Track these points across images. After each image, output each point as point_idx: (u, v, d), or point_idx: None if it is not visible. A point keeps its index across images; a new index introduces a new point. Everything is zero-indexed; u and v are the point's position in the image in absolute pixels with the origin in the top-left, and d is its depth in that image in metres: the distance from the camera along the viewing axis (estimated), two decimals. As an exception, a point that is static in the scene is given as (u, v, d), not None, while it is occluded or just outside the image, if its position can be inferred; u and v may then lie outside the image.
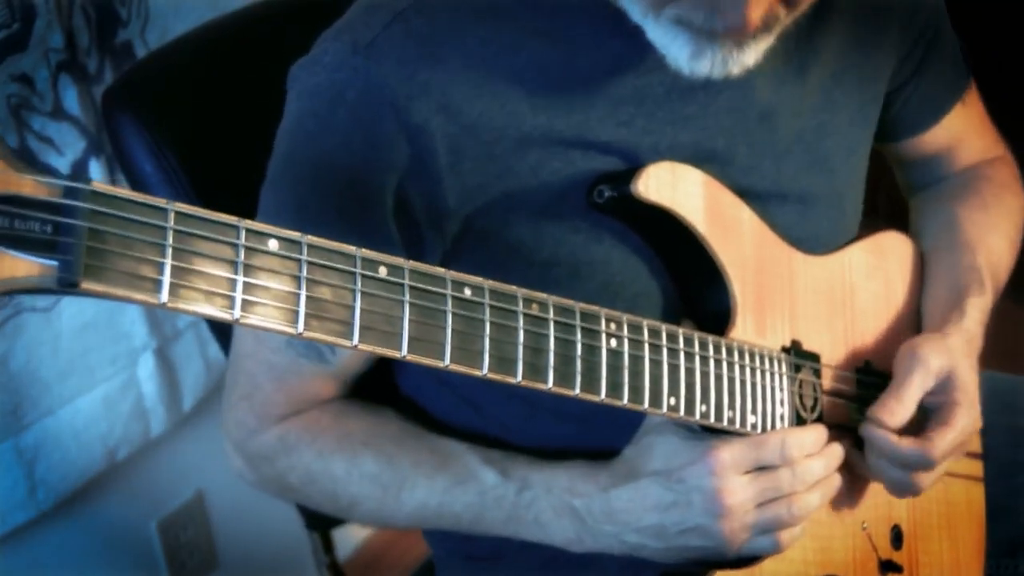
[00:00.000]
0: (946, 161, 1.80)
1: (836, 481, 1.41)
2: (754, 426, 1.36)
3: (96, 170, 1.94)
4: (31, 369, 1.94)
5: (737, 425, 1.35)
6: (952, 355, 1.48)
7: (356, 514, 1.50)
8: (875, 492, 1.55)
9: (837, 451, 1.40)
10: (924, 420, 1.48)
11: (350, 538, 2.88)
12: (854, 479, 1.52)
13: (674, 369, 1.27)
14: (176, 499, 2.38)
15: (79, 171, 1.92)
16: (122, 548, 2.28)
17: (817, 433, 1.39)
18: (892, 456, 1.44)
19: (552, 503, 1.38)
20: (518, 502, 1.39)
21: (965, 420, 1.47)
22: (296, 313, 0.96)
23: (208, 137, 1.68)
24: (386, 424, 1.48)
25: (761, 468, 1.34)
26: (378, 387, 1.54)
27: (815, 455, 1.37)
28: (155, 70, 1.74)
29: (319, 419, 1.46)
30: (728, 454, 1.31)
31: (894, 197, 1.89)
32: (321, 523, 1.99)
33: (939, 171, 1.82)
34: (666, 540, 1.35)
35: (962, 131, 1.78)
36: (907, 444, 1.43)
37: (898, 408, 1.44)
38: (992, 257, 1.67)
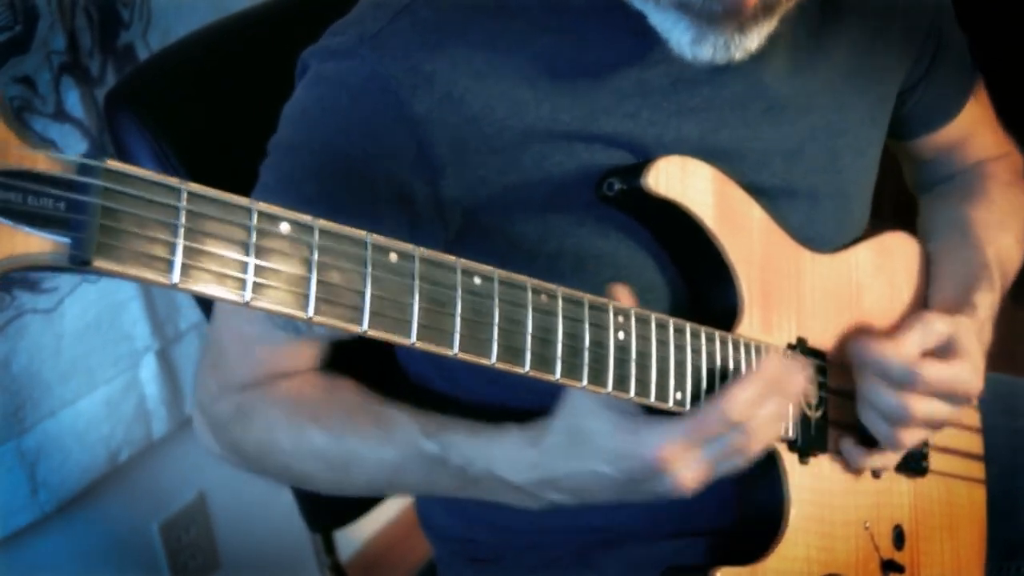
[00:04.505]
0: (956, 158, 1.81)
1: (789, 406, 1.37)
2: (759, 421, 1.37)
3: (98, 171, 1.95)
4: (33, 371, 1.95)
5: (742, 420, 1.35)
6: (958, 325, 1.48)
7: (312, 486, 1.48)
8: (877, 491, 1.56)
9: (790, 386, 1.29)
10: None
11: (352, 539, 2.88)
12: (857, 478, 1.52)
13: (681, 363, 1.27)
14: (178, 501, 2.39)
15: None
16: (124, 550, 2.28)
17: (755, 382, 1.25)
18: (880, 366, 1.42)
19: (497, 481, 1.34)
20: (464, 476, 1.35)
21: (964, 370, 1.44)
22: (307, 297, 0.96)
23: (210, 139, 1.68)
24: (339, 395, 1.44)
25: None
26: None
27: (763, 398, 1.27)
28: (157, 72, 1.74)
29: (276, 389, 1.44)
30: (669, 450, 1.23)
31: (899, 198, 1.90)
32: (323, 524, 1.99)
33: (949, 168, 1.83)
34: (620, 497, 1.32)
35: (972, 128, 1.79)
36: (897, 359, 1.42)
37: (894, 344, 1.43)
38: (1001, 254, 1.67)
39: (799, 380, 1.28)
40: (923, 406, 1.43)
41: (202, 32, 1.78)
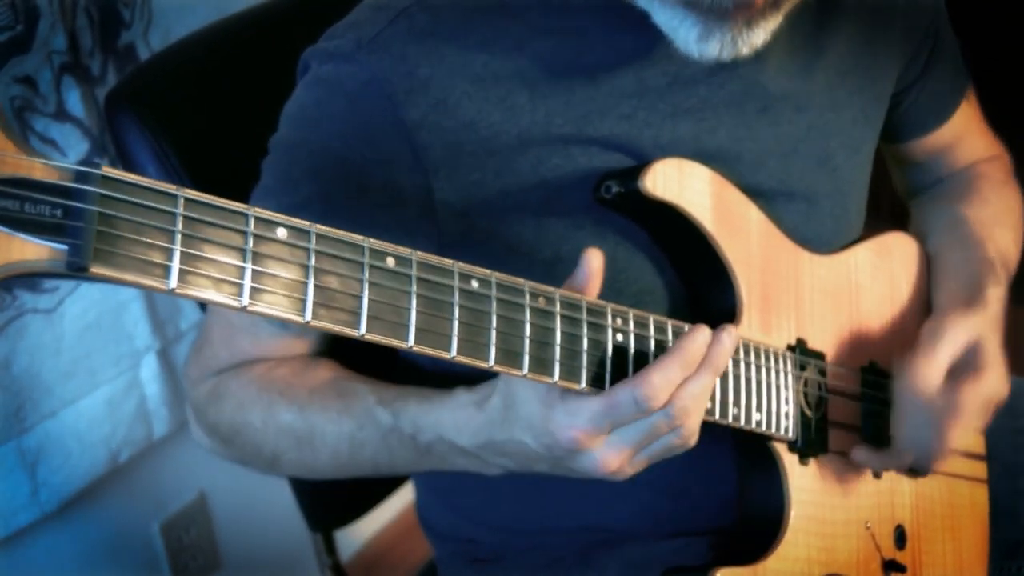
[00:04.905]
0: (948, 161, 1.82)
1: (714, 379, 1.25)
2: (759, 423, 1.36)
3: (99, 172, 1.95)
4: (34, 371, 1.95)
5: (742, 422, 1.34)
6: (978, 329, 1.49)
7: (282, 468, 1.47)
8: (879, 492, 1.55)
9: (716, 360, 1.22)
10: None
11: (353, 539, 2.89)
12: (858, 479, 1.52)
13: None
14: (179, 501, 2.38)
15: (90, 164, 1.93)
16: (125, 550, 2.28)
17: (671, 364, 1.19)
18: (921, 400, 1.45)
19: (447, 447, 1.32)
20: (417, 447, 1.35)
21: (993, 381, 1.46)
22: (304, 302, 0.96)
23: (211, 139, 1.68)
24: (312, 372, 1.44)
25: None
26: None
27: (683, 378, 1.21)
28: (158, 72, 1.74)
29: (250, 370, 1.44)
30: (580, 431, 1.18)
31: (898, 199, 1.90)
32: (324, 524, 1.99)
33: (940, 171, 1.83)
34: (557, 471, 1.28)
35: (964, 130, 1.79)
36: (939, 389, 1.44)
37: (928, 365, 1.45)
38: (1001, 250, 1.67)
39: (725, 352, 1.21)
40: (961, 430, 1.46)
41: (203, 32, 1.78)
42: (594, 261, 1.20)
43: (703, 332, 1.20)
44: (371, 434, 1.36)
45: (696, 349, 1.20)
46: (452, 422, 1.30)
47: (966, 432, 1.47)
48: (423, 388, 1.35)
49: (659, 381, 1.17)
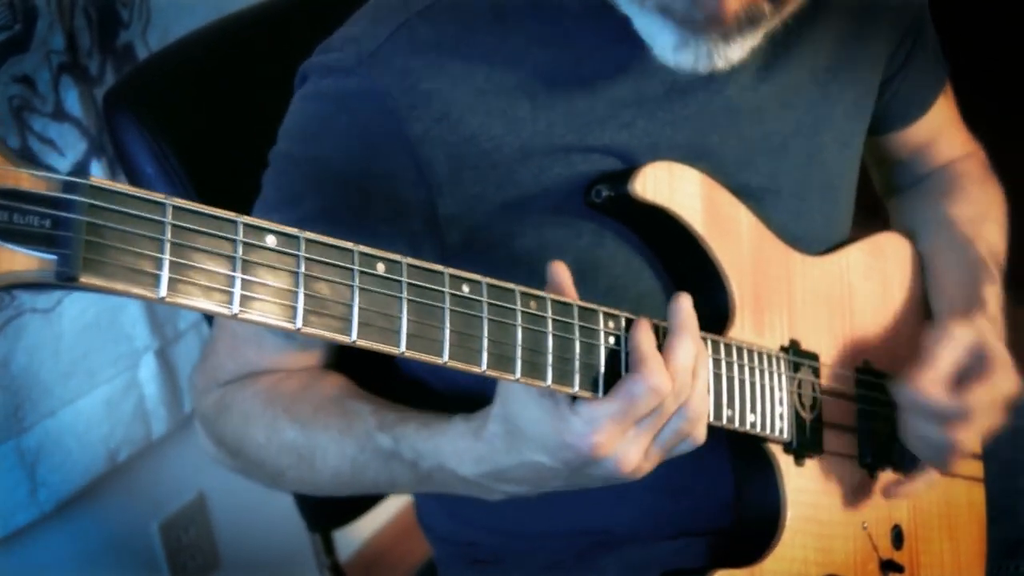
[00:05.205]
0: (928, 157, 1.82)
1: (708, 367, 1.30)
2: (753, 424, 1.37)
3: (97, 171, 1.95)
4: (32, 371, 1.95)
5: (736, 424, 1.34)
6: (980, 330, 1.48)
7: (286, 483, 1.47)
8: (876, 492, 1.56)
9: (693, 346, 1.23)
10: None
11: (351, 539, 2.88)
12: (855, 479, 1.53)
13: None
14: (178, 500, 2.39)
15: (80, 172, 1.90)
16: (124, 549, 2.29)
17: (683, 344, 1.21)
18: (928, 408, 1.44)
19: (448, 476, 1.31)
20: (418, 473, 1.33)
21: (1002, 379, 1.46)
22: (294, 309, 0.96)
23: (209, 139, 1.68)
24: (317, 387, 1.43)
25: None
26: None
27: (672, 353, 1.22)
28: (156, 72, 1.74)
29: (255, 383, 1.44)
30: (600, 435, 1.17)
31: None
32: (323, 524, 2.00)
33: (921, 168, 1.84)
34: (574, 484, 1.27)
35: (942, 125, 1.80)
36: (943, 396, 1.43)
37: (931, 373, 1.44)
38: (991, 247, 1.68)
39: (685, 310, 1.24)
40: (974, 433, 1.46)
41: (201, 32, 1.77)
42: (561, 275, 1.20)
43: (686, 299, 1.23)
44: (372, 457, 1.35)
45: (688, 318, 1.22)
46: (452, 451, 1.28)
47: (978, 435, 1.47)
48: (424, 413, 1.34)
49: (661, 371, 1.17)
